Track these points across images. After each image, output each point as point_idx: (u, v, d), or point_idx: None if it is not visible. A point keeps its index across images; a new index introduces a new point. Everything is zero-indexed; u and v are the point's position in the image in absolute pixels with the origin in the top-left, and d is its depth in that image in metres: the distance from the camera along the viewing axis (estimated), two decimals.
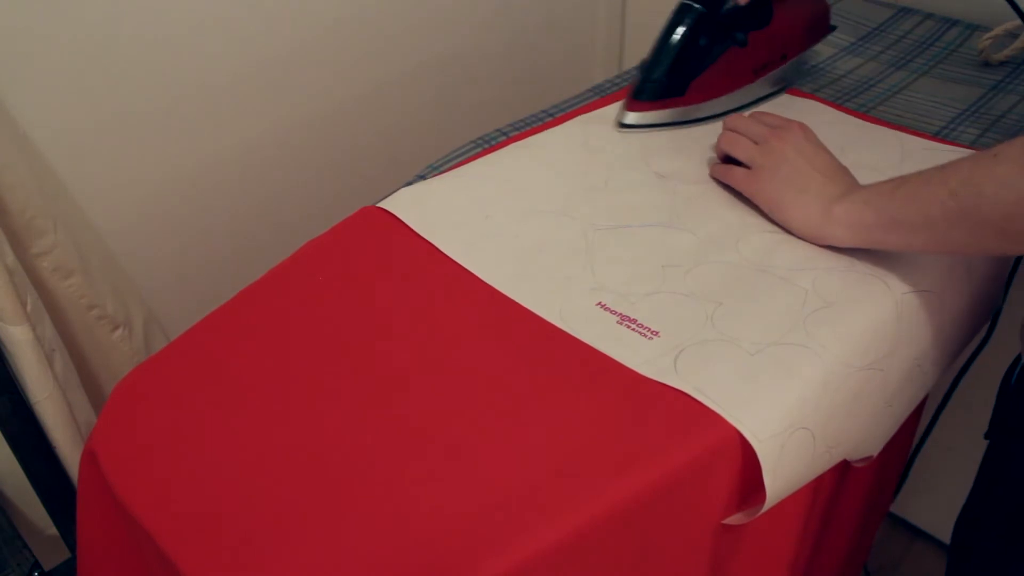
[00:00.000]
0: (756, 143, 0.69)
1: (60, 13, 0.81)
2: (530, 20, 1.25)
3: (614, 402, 0.53)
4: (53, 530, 0.86)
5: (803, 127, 0.69)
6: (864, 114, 0.81)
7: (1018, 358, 0.70)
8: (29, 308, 0.76)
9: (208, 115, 0.96)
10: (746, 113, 0.74)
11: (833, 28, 0.88)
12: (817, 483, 0.58)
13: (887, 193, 0.60)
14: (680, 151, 0.76)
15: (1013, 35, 0.88)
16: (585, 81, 0.90)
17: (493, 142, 0.78)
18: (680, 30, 0.76)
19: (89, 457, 0.55)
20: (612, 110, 0.81)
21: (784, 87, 0.85)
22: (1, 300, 0.73)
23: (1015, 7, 0.80)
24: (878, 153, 0.74)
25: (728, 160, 0.72)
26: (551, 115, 0.82)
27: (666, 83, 0.77)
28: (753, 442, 0.50)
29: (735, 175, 0.69)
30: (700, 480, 0.51)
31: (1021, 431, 0.68)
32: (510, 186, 0.71)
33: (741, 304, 0.59)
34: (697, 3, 0.76)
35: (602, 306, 0.59)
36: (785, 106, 0.82)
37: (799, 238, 0.65)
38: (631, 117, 0.78)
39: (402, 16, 1.10)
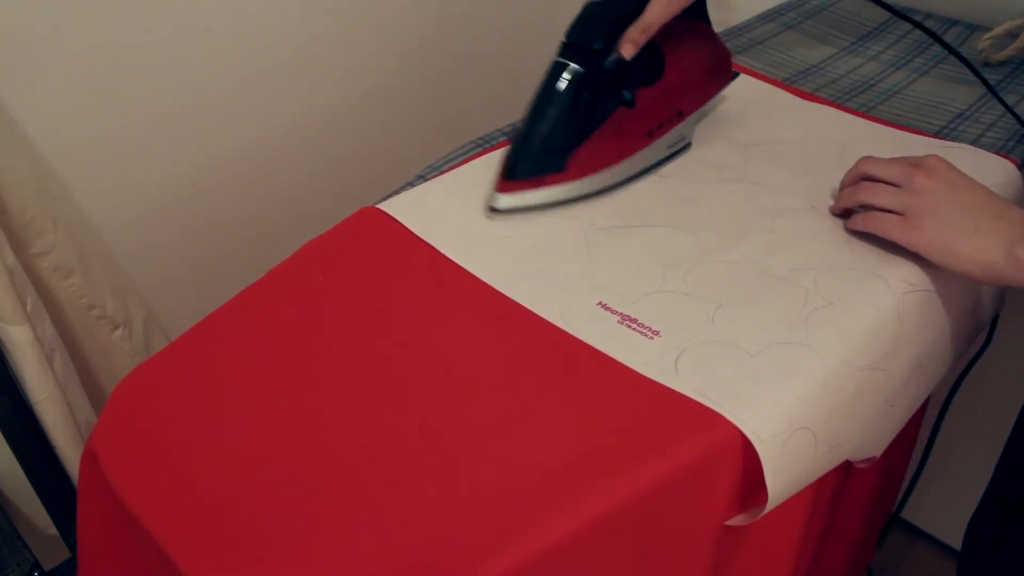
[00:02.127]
0: (898, 185, 0.62)
1: (60, 14, 0.81)
2: (530, 20, 1.25)
3: (615, 402, 0.53)
4: (53, 530, 0.87)
5: (943, 160, 0.62)
6: (864, 114, 0.81)
7: None
8: (29, 308, 0.76)
9: (208, 115, 0.96)
10: (867, 156, 0.66)
11: (736, 75, 0.79)
12: (820, 484, 0.58)
13: None
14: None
15: (1013, 35, 0.88)
16: None
17: (493, 142, 0.78)
18: (554, 94, 0.65)
19: (89, 457, 0.55)
20: None
21: (684, 146, 0.74)
22: (1, 300, 0.73)
23: None
24: (878, 153, 0.74)
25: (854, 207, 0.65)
26: None
27: (540, 158, 0.66)
28: (755, 441, 0.50)
29: (886, 224, 0.62)
30: (701, 480, 0.51)
31: None
32: None
33: (742, 304, 0.59)
34: (573, 61, 0.65)
35: (603, 306, 0.59)
36: (785, 106, 0.82)
37: (974, 281, 0.61)
38: (502, 200, 0.66)
39: (402, 16, 1.10)
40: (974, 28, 0.94)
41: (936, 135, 0.77)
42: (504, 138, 0.78)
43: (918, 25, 0.85)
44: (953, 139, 0.76)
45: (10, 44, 0.79)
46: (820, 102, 0.83)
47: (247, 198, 1.04)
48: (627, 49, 0.66)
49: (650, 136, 0.70)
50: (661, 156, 0.72)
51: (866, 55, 0.91)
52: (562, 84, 0.65)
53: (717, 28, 0.79)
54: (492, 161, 0.75)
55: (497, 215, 0.67)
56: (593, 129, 0.66)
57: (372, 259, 0.65)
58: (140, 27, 0.87)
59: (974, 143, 0.76)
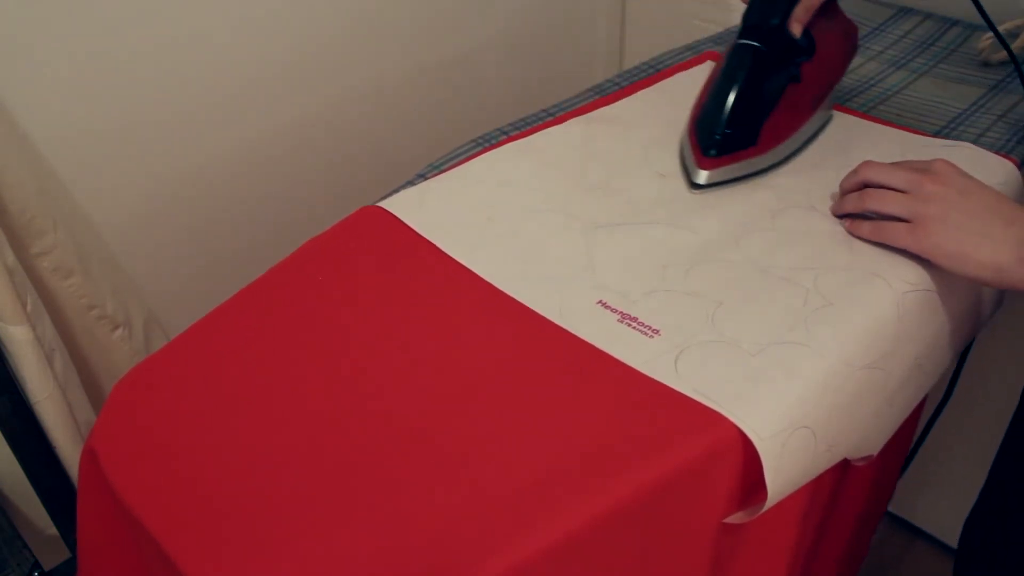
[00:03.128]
0: (905, 191, 0.62)
1: (60, 13, 0.81)
2: (530, 20, 1.25)
3: (615, 401, 0.53)
4: (53, 530, 0.86)
5: (950, 164, 0.62)
6: (864, 114, 0.81)
7: None
8: (29, 308, 0.76)
9: (208, 115, 0.96)
10: (869, 161, 0.66)
11: (856, 49, 0.84)
12: (817, 482, 0.58)
13: None
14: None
15: (1013, 35, 0.88)
16: (585, 81, 0.90)
17: (493, 141, 0.78)
18: (743, 73, 0.70)
19: (89, 457, 0.55)
20: (612, 110, 0.81)
21: (830, 118, 0.80)
22: (1, 300, 0.73)
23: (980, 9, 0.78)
24: (878, 153, 0.74)
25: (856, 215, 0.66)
26: (551, 115, 0.82)
27: (739, 133, 0.70)
28: (755, 441, 0.50)
29: (895, 232, 0.62)
30: (701, 479, 0.51)
31: None
32: (510, 185, 0.71)
33: (742, 303, 0.59)
34: (759, 41, 0.70)
35: (603, 304, 0.59)
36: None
37: (983, 285, 0.62)
38: (704, 176, 0.70)
39: (402, 16, 1.10)
40: (974, 28, 0.94)
41: (936, 135, 0.77)
42: (504, 137, 0.78)
43: None
44: (953, 139, 0.76)
45: (10, 44, 0.79)
46: None
47: (247, 197, 1.04)
48: (795, 28, 0.70)
49: (813, 108, 0.75)
50: (820, 125, 0.77)
51: (866, 55, 0.91)
52: (749, 64, 0.70)
53: (717, 28, 0.79)
54: (493, 160, 0.75)
55: (701, 191, 0.70)
56: (775, 104, 0.71)
57: (372, 258, 0.65)
58: (140, 27, 0.87)
59: (974, 143, 0.76)
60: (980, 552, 0.79)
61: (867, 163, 0.66)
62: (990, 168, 0.71)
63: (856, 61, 0.90)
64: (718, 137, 0.70)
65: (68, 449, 0.82)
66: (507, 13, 1.22)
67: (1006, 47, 0.80)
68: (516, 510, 0.48)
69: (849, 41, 0.81)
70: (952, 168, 0.62)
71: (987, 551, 0.77)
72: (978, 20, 0.93)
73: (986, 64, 0.88)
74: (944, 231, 0.60)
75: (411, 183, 0.73)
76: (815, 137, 0.77)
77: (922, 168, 0.63)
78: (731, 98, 0.70)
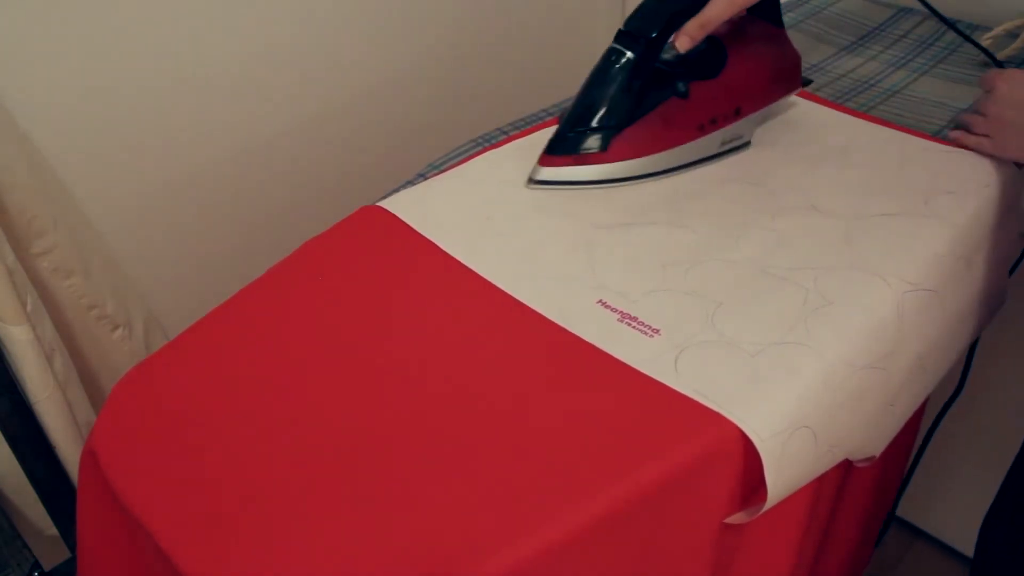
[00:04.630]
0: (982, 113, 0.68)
1: (60, 13, 0.81)
2: (530, 19, 1.25)
3: (615, 400, 0.53)
4: (53, 530, 0.86)
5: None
6: (864, 114, 0.81)
7: None
8: (29, 308, 0.76)
9: (208, 115, 0.96)
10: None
11: (808, 82, 0.81)
12: (819, 483, 0.58)
13: None
14: None
15: (1013, 35, 0.88)
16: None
17: (493, 141, 0.78)
18: (602, 77, 0.68)
19: (89, 457, 0.55)
20: None
21: (742, 144, 0.75)
22: (1, 300, 0.73)
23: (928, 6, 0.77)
24: (878, 153, 0.74)
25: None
26: (551, 114, 0.82)
27: (584, 137, 0.68)
28: (755, 441, 0.50)
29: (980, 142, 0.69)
30: (702, 479, 0.51)
31: None
32: (511, 185, 0.71)
33: (742, 303, 0.59)
34: (629, 48, 0.67)
35: (603, 304, 0.59)
36: (785, 106, 0.82)
37: None
38: (543, 173, 0.69)
39: (402, 16, 1.10)
40: (974, 28, 0.94)
41: (936, 135, 0.77)
42: (505, 136, 0.78)
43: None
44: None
45: (10, 44, 0.79)
46: (820, 102, 0.83)
47: (247, 197, 1.04)
48: (683, 42, 0.67)
49: (701, 130, 0.71)
50: (712, 151, 0.73)
51: (866, 55, 0.91)
52: (611, 68, 0.67)
53: None
54: (493, 159, 0.75)
55: (539, 187, 0.69)
56: (641, 115, 0.68)
57: (373, 257, 0.65)
58: (141, 27, 0.87)
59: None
60: (999, 553, 0.78)
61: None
62: (990, 168, 0.71)
63: (856, 61, 0.90)
64: (562, 136, 0.68)
65: (68, 449, 0.82)
66: (507, 13, 1.22)
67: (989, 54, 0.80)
68: (516, 510, 0.47)
69: (786, 73, 0.77)
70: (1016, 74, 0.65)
71: (1006, 551, 0.77)
72: (978, 20, 0.94)
73: (986, 64, 0.88)
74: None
75: (411, 183, 0.73)
76: (702, 164, 0.73)
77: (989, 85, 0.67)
78: (582, 99, 0.68)
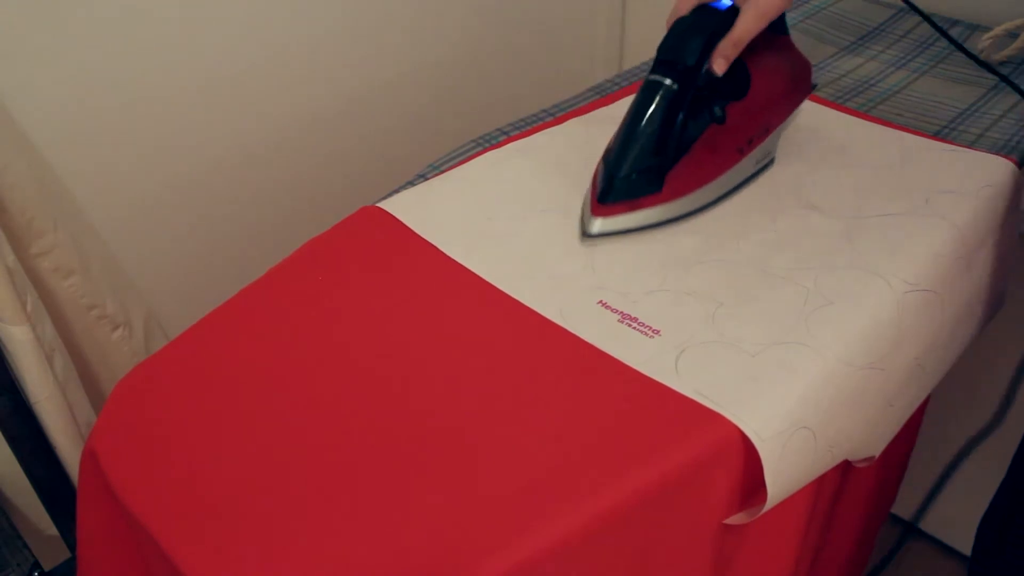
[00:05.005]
0: None
1: (60, 13, 0.81)
2: (530, 20, 1.25)
3: (615, 401, 0.53)
4: (53, 530, 0.86)
5: None
6: (864, 114, 0.81)
7: None
8: (29, 308, 0.76)
9: (208, 115, 0.96)
10: None
11: (814, 87, 0.78)
12: (819, 483, 0.58)
13: None
14: None
15: (1013, 35, 0.88)
16: (585, 81, 0.90)
17: (494, 141, 0.78)
18: (650, 113, 0.64)
19: (89, 457, 0.55)
20: (612, 110, 0.81)
21: (769, 162, 0.73)
22: (1, 300, 0.73)
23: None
24: (878, 153, 0.74)
25: None
26: (551, 115, 0.82)
27: (639, 179, 0.64)
28: (755, 441, 0.50)
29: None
30: (701, 480, 0.51)
31: None
32: (511, 185, 0.71)
33: (742, 303, 0.59)
34: (669, 77, 0.64)
35: (603, 304, 0.59)
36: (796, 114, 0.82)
37: None
38: (598, 224, 0.65)
39: (402, 16, 1.10)
40: (974, 28, 0.94)
41: (936, 135, 0.77)
42: (504, 137, 0.78)
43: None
44: (953, 139, 0.76)
45: (10, 44, 0.79)
46: (820, 102, 0.83)
47: (247, 197, 1.04)
48: (720, 64, 0.65)
49: (741, 152, 0.69)
50: (750, 172, 0.71)
51: (866, 55, 0.91)
52: (656, 102, 0.64)
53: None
54: (493, 160, 0.75)
55: (591, 240, 0.65)
56: (687, 147, 0.65)
57: (373, 258, 0.65)
58: (141, 27, 0.87)
59: (974, 143, 0.76)
60: (996, 554, 0.78)
61: None
62: (990, 168, 0.71)
63: (856, 61, 0.90)
64: (614, 182, 0.64)
65: (68, 449, 0.82)
66: (507, 13, 1.22)
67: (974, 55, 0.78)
68: (516, 510, 0.48)
69: (799, 80, 0.75)
70: None
71: (1004, 552, 0.77)
72: (978, 20, 0.94)
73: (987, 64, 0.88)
74: None
75: (411, 183, 0.73)
76: (742, 188, 0.71)
77: None
78: (629, 139, 0.65)
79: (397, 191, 0.72)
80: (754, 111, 0.69)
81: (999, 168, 0.71)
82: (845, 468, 0.61)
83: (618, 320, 0.58)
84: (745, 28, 0.65)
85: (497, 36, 1.23)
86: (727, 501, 0.53)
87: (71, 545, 0.87)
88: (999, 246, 0.71)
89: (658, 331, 0.57)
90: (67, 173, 0.87)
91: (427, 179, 0.73)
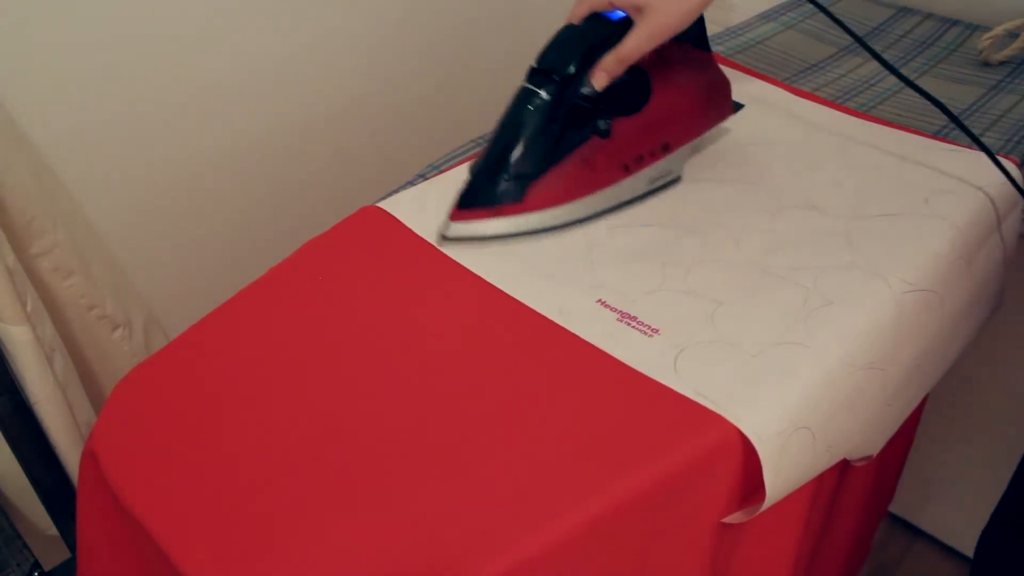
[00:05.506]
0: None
1: (60, 13, 0.81)
2: (531, 20, 1.25)
3: (615, 400, 0.53)
4: (53, 530, 0.87)
5: None
6: (864, 114, 0.81)
7: None
8: (29, 308, 0.76)
9: (209, 115, 0.96)
10: None
11: (739, 107, 0.75)
12: (817, 482, 0.58)
13: None
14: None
15: (1013, 35, 0.88)
16: None
17: None
18: (515, 121, 0.63)
19: (89, 457, 0.55)
20: None
21: (672, 180, 0.70)
22: (1, 300, 0.73)
23: None
24: (878, 153, 0.74)
25: None
26: None
27: (498, 187, 0.62)
28: (754, 441, 0.50)
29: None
30: (700, 479, 0.51)
31: None
32: None
33: (741, 303, 0.59)
34: (542, 87, 0.62)
35: (602, 303, 0.59)
36: (785, 106, 0.82)
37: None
38: (453, 229, 0.63)
39: (403, 14, 1.10)
40: (974, 28, 0.94)
41: (936, 135, 0.77)
42: None
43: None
44: (953, 139, 0.76)
45: (10, 44, 0.79)
46: (820, 102, 0.83)
47: (248, 197, 1.04)
48: (599, 79, 0.63)
49: (626, 170, 0.66)
50: (640, 191, 0.68)
51: (866, 55, 0.91)
52: (525, 111, 0.62)
53: (717, 28, 0.79)
54: None
55: (447, 243, 0.64)
56: (559, 160, 0.63)
57: (372, 258, 0.65)
58: (141, 27, 0.87)
59: (974, 144, 0.76)
60: (999, 560, 0.78)
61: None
62: (990, 168, 0.71)
63: (856, 61, 0.90)
64: (473, 188, 0.63)
65: (68, 449, 0.82)
66: (507, 13, 1.22)
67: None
68: (515, 510, 0.48)
69: (714, 100, 0.72)
70: None
71: (1007, 559, 0.76)
72: (978, 20, 0.94)
73: (986, 64, 0.88)
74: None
75: (411, 183, 0.73)
76: (630, 205, 0.68)
77: None
78: (494, 148, 0.63)
79: (397, 191, 0.72)
80: (648, 128, 0.66)
81: (999, 168, 0.71)
82: (843, 467, 0.61)
83: (617, 319, 0.58)
84: (633, 45, 0.62)
85: (498, 36, 1.23)
86: (726, 500, 0.53)
87: (71, 545, 0.87)
88: (999, 246, 0.71)
89: (657, 330, 0.57)
90: (67, 173, 0.87)
91: (427, 179, 0.73)
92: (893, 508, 1.31)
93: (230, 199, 1.02)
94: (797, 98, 0.83)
